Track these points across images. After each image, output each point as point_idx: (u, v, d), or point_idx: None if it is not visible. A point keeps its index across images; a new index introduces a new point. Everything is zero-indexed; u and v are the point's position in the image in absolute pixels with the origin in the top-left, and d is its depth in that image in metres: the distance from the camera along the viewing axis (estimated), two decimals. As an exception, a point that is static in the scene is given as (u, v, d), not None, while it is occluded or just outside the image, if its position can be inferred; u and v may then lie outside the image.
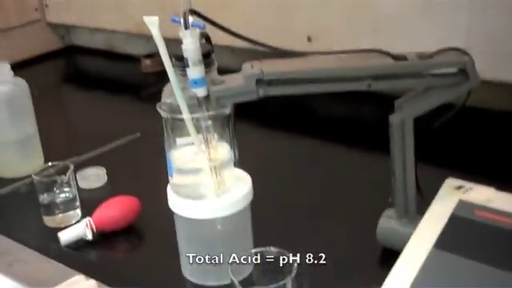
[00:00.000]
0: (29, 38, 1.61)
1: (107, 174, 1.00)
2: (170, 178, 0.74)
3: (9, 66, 1.01)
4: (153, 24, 0.64)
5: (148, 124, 1.13)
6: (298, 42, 1.20)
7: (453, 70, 0.70)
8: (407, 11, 1.09)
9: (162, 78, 0.85)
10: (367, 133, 1.09)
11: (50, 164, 0.91)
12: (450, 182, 0.74)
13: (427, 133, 0.73)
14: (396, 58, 0.70)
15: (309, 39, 1.20)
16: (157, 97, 0.76)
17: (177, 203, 0.73)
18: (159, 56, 1.54)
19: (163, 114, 0.71)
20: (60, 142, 1.18)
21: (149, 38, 1.53)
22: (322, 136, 1.11)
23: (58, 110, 1.40)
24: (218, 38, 0.81)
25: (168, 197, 0.74)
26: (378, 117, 0.76)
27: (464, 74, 0.70)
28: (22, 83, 1.03)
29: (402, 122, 0.72)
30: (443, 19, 1.05)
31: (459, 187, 0.72)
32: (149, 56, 1.49)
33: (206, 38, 0.77)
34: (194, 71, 0.67)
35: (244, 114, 0.86)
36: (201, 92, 0.68)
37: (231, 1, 1.28)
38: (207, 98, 0.68)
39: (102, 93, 1.45)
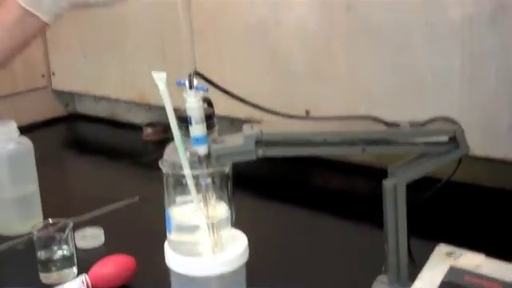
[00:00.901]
0: (34, 103, 1.65)
1: (105, 234, 1.02)
2: (168, 234, 0.76)
3: (15, 125, 1.04)
4: (160, 79, 0.68)
5: (147, 189, 1.17)
6: (296, 114, 1.24)
7: (443, 138, 0.73)
8: (402, 90, 1.13)
9: (162, 146, 0.88)
10: (361, 204, 1.11)
11: (49, 221, 0.93)
12: (441, 249, 0.76)
13: (419, 203, 0.75)
14: (389, 125, 0.73)
15: (306, 112, 1.24)
16: (156, 164, 0.78)
17: (173, 259, 0.74)
18: (160, 125, 1.59)
19: (165, 170, 0.73)
20: (59, 203, 1.20)
21: (151, 107, 1.58)
22: (318, 206, 1.13)
23: (58, 173, 1.43)
24: (218, 108, 0.85)
25: (165, 253, 0.75)
26: (371, 189, 0.79)
27: (454, 143, 0.73)
28: (26, 142, 1.06)
29: (394, 188, 0.74)
30: (435, 96, 1.10)
31: (450, 253, 0.74)
32: (150, 125, 1.53)
33: (207, 102, 0.81)
34: (197, 129, 0.70)
35: (242, 181, 0.89)
36: (202, 150, 0.71)
37: (231, 73, 1.33)
38: (208, 156, 0.71)
39: (103, 158, 1.48)
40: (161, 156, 0.87)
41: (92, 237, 1.01)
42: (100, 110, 1.72)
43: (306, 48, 1.24)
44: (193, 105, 0.71)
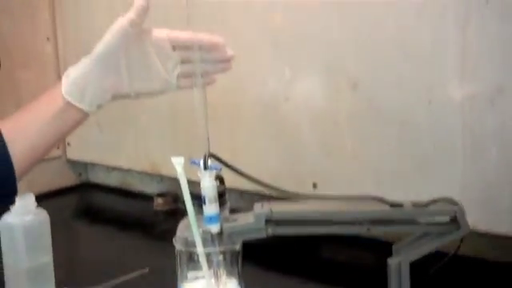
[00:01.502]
0: (47, 173, 1.69)
1: (115, 308, 1.04)
2: (179, 310, 0.79)
3: (33, 198, 1.08)
4: (178, 163, 0.72)
5: (157, 260, 1.19)
6: (304, 187, 1.28)
7: (445, 218, 0.76)
8: (406, 165, 1.17)
9: (173, 216, 0.92)
10: (368, 277, 1.13)
11: (62, 291, 0.95)
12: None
13: (424, 279, 0.78)
14: (393, 205, 0.77)
15: (314, 186, 1.28)
16: (167, 234, 0.81)
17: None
18: (170, 195, 1.62)
19: (178, 247, 0.76)
20: (71, 273, 1.22)
21: (162, 177, 1.62)
22: (326, 279, 1.15)
23: (70, 242, 1.45)
24: (228, 181, 0.89)
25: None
26: (377, 262, 0.81)
27: (455, 223, 0.76)
28: (43, 214, 1.08)
29: (399, 265, 0.77)
30: (438, 172, 1.13)
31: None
32: (161, 195, 1.56)
33: (220, 179, 0.85)
34: (210, 208, 0.74)
35: (252, 253, 0.92)
36: (214, 228, 0.74)
37: (242, 146, 1.37)
38: (220, 234, 0.75)
39: (114, 228, 1.50)
40: (171, 226, 0.90)
41: (103, 307, 1.03)
42: (112, 180, 1.76)
43: (314, 124, 1.29)
44: (207, 184, 0.74)
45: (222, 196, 0.81)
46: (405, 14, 1.14)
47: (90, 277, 1.20)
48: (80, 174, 1.81)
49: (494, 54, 1.05)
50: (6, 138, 0.79)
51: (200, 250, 0.74)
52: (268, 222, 0.75)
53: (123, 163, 1.66)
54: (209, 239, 0.74)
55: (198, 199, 0.78)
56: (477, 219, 1.00)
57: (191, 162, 0.80)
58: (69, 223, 1.59)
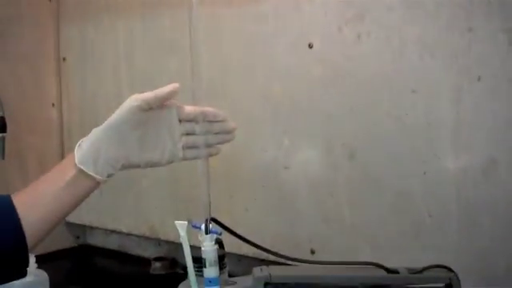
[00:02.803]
0: (47, 235, 1.70)
1: None
2: None
3: (34, 259, 1.10)
4: (182, 227, 0.75)
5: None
6: (302, 253, 1.29)
7: (440, 285, 0.78)
8: (402, 233, 1.19)
9: (170, 280, 0.93)
10: None
11: None
12: None
13: None
14: (389, 271, 0.79)
15: (312, 252, 1.30)
16: None
17: None
18: (168, 260, 1.63)
19: (179, 309, 0.78)
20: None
21: (160, 242, 1.63)
22: None
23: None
24: (227, 245, 0.91)
25: None
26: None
27: (450, 290, 0.78)
28: (43, 275, 1.11)
29: (394, 332, 0.78)
30: (433, 239, 1.15)
31: None
32: (158, 259, 1.57)
33: (219, 243, 0.87)
34: (210, 271, 0.76)
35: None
36: (214, 291, 0.76)
37: (241, 212, 1.40)
38: (219, 296, 0.76)
39: (110, 291, 1.51)
40: None
41: None
42: (110, 243, 1.77)
43: (312, 191, 1.31)
44: (208, 248, 0.77)
45: (221, 259, 0.84)
46: (400, 89, 1.18)
47: None
48: (78, 237, 1.82)
49: (487, 128, 1.09)
50: (21, 211, 0.81)
51: (200, 311, 0.75)
52: (267, 285, 0.77)
53: (122, 227, 1.67)
54: (209, 302, 0.76)
55: (196, 262, 0.80)
56: (471, 286, 1.02)
57: (192, 226, 0.83)
58: (66, 286, 1.59)
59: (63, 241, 1.77)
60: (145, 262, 1.62)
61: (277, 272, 0.77)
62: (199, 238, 0.80)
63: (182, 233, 0.76)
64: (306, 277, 0.77)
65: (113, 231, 1.73)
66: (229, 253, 0.94)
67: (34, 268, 1.10)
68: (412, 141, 1.18)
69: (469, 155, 1.12)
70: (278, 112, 1.36)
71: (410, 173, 1.18)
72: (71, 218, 1.77)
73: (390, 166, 1.21)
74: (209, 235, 0.77)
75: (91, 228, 1.80)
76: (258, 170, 1.39)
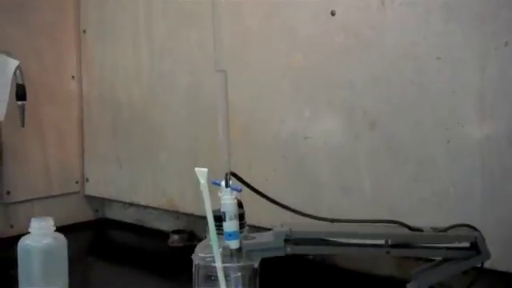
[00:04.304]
0: (65, 207, 1.71)
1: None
2: (195, 326, 0.78)
3: (52, 221, 1.09)
4: (202, 175, 0.73)
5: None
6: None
7: (465, 244, 0.76)
8: (424, 204, 1.17)
9: (188, 253, 0.92)
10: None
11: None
12: None
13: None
14: (413, 229, 0.77)
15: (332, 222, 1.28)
16: (181, 270, 0.79)
17: None
18: (186, 232, 1.62)
19: (196, 261, 0.77)
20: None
21: (178, 215, 1.62)
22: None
23: (84, 276, 1.45)
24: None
25: None
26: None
27: (475, 249, 0.76)
28: (61, 238, 1.10)
29: (417, 291, 0.77)
30: (457, 210, 1.13)
31: None
32: (176, 231, 1.57)
33: (239, 203, 0.86)
34: (230, 225, 0.75)
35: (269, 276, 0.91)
36: (234, 244, 0.75)
37: (260, 183, 1.38)
38: (239, 250, 0.75)
39: (128, 263, 1.50)
40: (185, 262, 0.90)
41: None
42: (128, 217, 1.77)
43: (333, 162, 1.30)
44: (227, 201, 0.75)
45: (241, 219, 0.82)
46: (424, 56, 1.16)
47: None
48: (97, 211, 1.82)
49: (513, 94, 1.07)
50: None
51: (218, 264, 0.74)
52: (287, 241, 0.75)
53: (141, 199, 1.67)
54: (228, 255, 0.75)
55: (216, 220, 0.79)
56: (496, 259, 0.99)
57: (213, 183, 0.82)
58: (83, 258, 1.59)
59: (82, 214, 1.77)
60: (163, 235, 1.61)
61: (298, 228, 0.76)
62: (219, 194, 0.79)
63: (202, 180, 0.75)
64: (327, 233, 0.76)
65: (131, 204, 1.73)
66: (248, 225, 0.92)
67: (52, 231, 1.09)
68: (435, 109, 1.16)
69: (493, 123, 1.09)
70: (298, 82, 1.34)
71: (432, 141, 1.16)
72: (90, 192, 1.78)
73: (412, 134, 1.19)
74: (229, 189, 0.76)
75: (110, 201, 1.80)
76: (278, 140, 1.37)
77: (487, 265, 0.87)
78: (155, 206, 1.64)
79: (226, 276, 0.75)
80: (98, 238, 1.78)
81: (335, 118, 1.29)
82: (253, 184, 1.33)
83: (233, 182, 0.81)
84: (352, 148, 1.27)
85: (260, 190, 1.36)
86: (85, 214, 1.78)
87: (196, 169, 0.76)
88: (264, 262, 0.82)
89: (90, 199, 1.80)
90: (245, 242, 0.75)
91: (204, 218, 0.87)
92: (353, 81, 1.26)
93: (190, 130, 1.53)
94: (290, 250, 0.75)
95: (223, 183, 0.77)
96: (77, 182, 1.76)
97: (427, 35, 1.15)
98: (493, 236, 1.07)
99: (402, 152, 1.20)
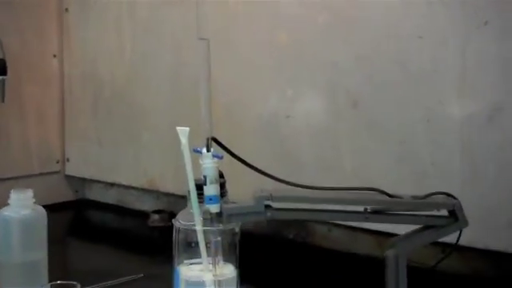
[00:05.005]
0: (45, 187, 1.69)
1: (109, 304, 1.03)
2: (175, 292, 0.78)
3: (32, 193, 1.08)
4: (183, 134, 0.73)
5: (151, 269, 1.20)
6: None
7: (443, 211, 0.77)
8: (404, 182, 1.18)
9: (168, 232, 0.92)
10: (364, 267, 1.16)
11: (57, 282, 0.94)
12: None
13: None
14: (392, 196, 0.78)
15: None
16: (161, 248, 0.78)
17: (179, 317, 0.76)
18: (166, 212, 1.62)
19: (177, 224, 0.77)
20: (65, 276, 1.21)
21: (159, 195, 1.62)
22: (322, 268, 1.18)
23: (64, 253, 1.45)
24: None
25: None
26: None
27: (453, 216, 0.77)
28: (41, 210, 1.09)
29: (396, 258, 0.77)
30: (436, 188, 1.13)
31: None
32: (157, 211, 1.56)
33: (220, 174, 0.86)
34: (211, 188, 0.75)
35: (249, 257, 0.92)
36: (214, 208, 0.75)
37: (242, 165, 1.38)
38: (219, 215, 0.75)
39: (108, 242, 1.49)
40: (166, 241, 0.90)
41: (96, 305, 1.02)
42: (109, 198, 1.76)
43: (314, 141, 1.30)
44: (208, 165, 0.75)
45: (222, 187, 0.82)
46: (406, 35, 1.17)
47: (84, 280, 1.18)
48: (77, 191, 1.80)
49: (493, 73, 1.08)
50: None
51: (199, 227, 0.74)
52: (268, 206, 0.76)
53: (122, 179, 1.66)
54: (208, 219, 0.75)
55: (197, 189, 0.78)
56: (474, 236, 1.00)
57: (194, 151, 0.81)
58: (63, 238, 1.58)
59: (62, 194, 1.76)
60: (144, 215, 1.61)
61: (278, 193, 0.76)
62: (200, 161, 0.78)
63: (184, 140, 0.75)
64: (307, 198, 0.76)
65: (112, 185, 1.72)
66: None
67: (31, 202, 1.08)
68: (416, 88, 1.17)
69: (474, 102, 1.11)
70: (281, 61, 1.34)
71: (413, 120, 1.17)
72: (71, 171, 1.77)
73: (393, 113, 1.20)
74: (210, 153, 0.76)
75: (90, 182, 1.79)
76: (260, 119, 1.37)
77: (465, 242, 0.88)
78: (136, 186, 1.63)
79: (207, 241, 0.75)
80: (78, 219, 1.77)
81: (317, 97, 1.30)
82: (234, 165, 1.33)
83: (214, 149, 0.81)
84: (334, 127, 1.28)
85: (241, 170, 1.37)
86: (65, 194, 1.77)
87: (177, 128, 0.76)
88: (244, 242, 0.82)
89: (71, 179, 1.78)
90: (225, 206, 0.75)
91: (184, 197, 0.87)
92: (336, 60, 1.26)
93: (172, 109, 1.53)
94: (270, 214, 0.75)
95: (204, 149, 0.77)
96: (57, 162, 1.75)
97: (409, 14, 1.16)
98: (472, 214, 1.08)
99: (383, 131, 1.21)
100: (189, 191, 0.77)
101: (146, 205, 1.66)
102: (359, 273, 1.19)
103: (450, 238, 0.84)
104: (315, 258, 1.30)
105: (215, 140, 0.77)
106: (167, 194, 1.56)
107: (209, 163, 0.75)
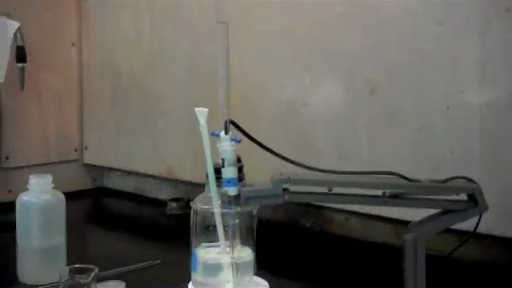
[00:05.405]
0: (63, 175, 1.68)
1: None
2: (192, 274, 0.79)
3: (51, 178, 1.09)
4: (202, 114, 0.73)
5: (169, 256, 1.20)
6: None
7: (463, 195, 0.76)
8: (422, 170, 1.15)
9: (185, 220, 0.92)
10: (382, 256, 1.17)
11: (75, 266, 0.95)
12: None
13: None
14: (411, 180, 0.77)
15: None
16: (178, 235, 0.78)
17: (196, 297, 0.76)
18: (184, 201, 1.62)
19: (195, 207, 0.77)
20: (83, 262, 1.22)
21: (177, 184, 1.62)
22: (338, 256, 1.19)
23: (82, 240, 1.46)
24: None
25: (188, 292, 0.78)
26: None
27: (473, 200, 0.76)
28: (60, 195, 1.10)
29: (415, 242, 0.77)
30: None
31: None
32: (174, 199, 1.57)
33: (237, 158, 0.86)
34: (229, 171, 0.75)
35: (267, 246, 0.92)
36: (232, 191, 0.75)
37: (259, 150, 1.38)
38: (237, 197, 0.75)
39: (126, 230, 1.50)
40: (183, 228, 0.91)
41: (114, 288, 1.02)
42: (127, 186, 1.77)
43: (332, 128, 1.30)
44: (226, 148, 0.75)
45: (240, 171, 0.82)
46: (425, 22, 1.16)
47: (102, 266, 1.19)
48: (95, 179, 1.81)
49: (513, 60, 1.07)
50: None
51: (216, 209, 0.74)
52: (285, 190, 0.76)
53: (139, 168, 1.67)
54: (226, 202, 0.75)
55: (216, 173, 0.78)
56: (492, 223, 0.99)
57: (212, 134, 0.81)
58: (81, 226, 1.59)
59: (80, 182, 1.77)
60: (161, 203, 1.61)
61: (296, 176, 0.76)
62: (218, 144, 0.78)
63: (202, 121, 0.75)
64: (326, 182, 0.76)
65: (130, 173, 1.73)
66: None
67: (50, 187, 1.09)
68: (435, 75, 1.16)
69: (493, 89, 1.09)
70: (299, 48, 1.34)
71: (432, 108, 1.16)
72: (89, 160, 1.78)
73: (411, 101, 1.19)
74: (228, 136, 0.76)
75: (108, 170, 1.80)
76: (278, 106, 1.37)
77: (483, 230, 0.87)
78: (154, 174, 1.64)
79: (224, 224, 0.76)
80: (96, 207, 1.79)
81: (335, 84, 1.29)
82: (251, 151, 1.34)
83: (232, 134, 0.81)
84: (351, 114, 1.27)
85: (258, 157, 1.38)
86: (83, 183, 1.78)
87: (196, 109, 0.76)
88: (262, 230, 0.82)
89: (89, 168, 1.79)
90: (242, 189, 0.75)
91: (202, 185, 0.87)
92: (353, 47, 1.25)
93: (190, 97, 1.53)
94: (287, 197, 0.75)
95: (222, 132, 0.77)
96: (75, 150, 1.76)
97: (429, 0, 1.15)
98: (490, 201, 1.08)
99: (401, 119, 1.20)
100: (207, 174, 0.77)
101: (163, 193, 1.67)
102: (376, 261, 1.19)
103: (468, 226, 0.84)
104: (332, 246, 1.30)
105: (233, 123, 0.77)
106: (185, 182, 1.57)
107: (227, 146, 0.75)
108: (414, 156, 1.19)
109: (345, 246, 1.29)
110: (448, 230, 0.92)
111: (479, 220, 0.77)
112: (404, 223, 0.92)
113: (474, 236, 0.84)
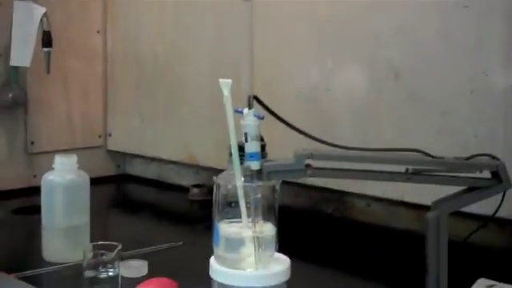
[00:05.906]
0: (88, 161, 1.70)
1: (148, 267, 1.04)
2: (214, 248, 0.79)
3: (76, 158, 1.11)
4: (226, 85, 0.74)
5: (191, 238, 1.21)
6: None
7: (486, 173, 0.76)
8: (446, 152, 1.15)
9: (207, 206, 0.92)
10: (403, 241, 1.17)
11: (99, 243, 0.96)
12: (482, 282, 0.76)
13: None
14: (434, 157, 0.77)
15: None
16: (200, 220, 0.77)
17: (218, 271, 0.77)
18: (206, 187, 1.63)
19: (218, 181, 0.77)
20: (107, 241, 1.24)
21: (198, 170, 1.63)
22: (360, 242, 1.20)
23: (106, 224, 1.47)
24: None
25: (210, 266, 0.78)
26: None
27: (497, 178, 0.75)
28: (84, 175, 1.12)
29: (437, 219, 0.76)
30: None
31: (490, 286, 0.75)
32: (196, 185, 1.58)
33: (260, 137, 0.86)
34: (252, 145, 0.75)
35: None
36: (255, 165, 0.75)
37: (281, 136, 1.39)
38: (260, 171, 0.75)
39: (149, 214, 1.52)
40: (205, 214, 0.91)
41: (136, 267, 1.03)
42: (149, 173, 1.78)
43: (355, 114, 1.29)
44: (250, 123, 0.76)
45: (262, 149, 0.82)
46: (450, 5, 1.15)
47: (125, 247, 1.21)
48: (118, 166, 1.83)
49: (540, 43, 1.06)
50: None
51: (239, 183, 0.75)
52: (308, 165, 0.76)
53: (162, 154, 1.68)
54: (248, 176, 0.75)
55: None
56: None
57: (235, 111, 0.82)
58: (105, 210, 1.61)
59: (104, 169, 1.79)
60: (183, 190, 1.63)
61: (319, 152, 0.76)
62: (241, 121, 0.79)
63: (226, 92, 0.75)
64: (349, 157, 0.76)
65: (153, 159, 1.74)
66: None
67: (75, 167, 1.11)
68: (460, 59, 1.15)
69: (520, 72, 1.08)
70: (322, 33, 1.33)
71: (456, 92, 1.15)
72: (112, 146, 1.79)
73: (435, 85, 1.18)
74: (251, 111, 0.76)
75: (132, 157, 1.81)
76: (300, 93, 1.37)
77: (505, 214, 0.86)
78: (176, 160, 1.65)
79: (246, 198, 0.76)
80: (120, 192, 1.81)
81: (358, 69, 1.29)
82: (273, 138, 1.34)
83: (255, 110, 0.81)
84: (375, 100, 1.27)
85: (280, 144, 1.38)
86: (107, 169, 1.80)
87: (220, 80, 0.76)
88: (283, 216, 0.82)
89: (113, 154, 1.81)
90: (265, 163, 0.75)
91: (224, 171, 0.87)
92: (377, 32, 1.25)
93: (213, 84, 1.52)
94: (310, 172, 0.75)
95: (246, 108, 0.78)
96: (100, 137, 1.78)
97: (454, -17, 1.14)
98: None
99: (425, 103, 1.20)
100: (230, 152, 0.77)
101: (185, 179, 1.68)
102: (398, 247, 1.18)
103: (489, 210, 0.83)
104: (353, 232, 1.30)
105: (256, 98, 0.77)
106: (207, 169, 1.57)
107: (250, 120, 0.76)
108: (438, 140, 1.17)
109: (366, 232, 1.29)
110: (470, 216, 0.91)
111: (502, 200, 0.77)
112: (426, 208, 0.91)
113: (496, 221, 0.83)
